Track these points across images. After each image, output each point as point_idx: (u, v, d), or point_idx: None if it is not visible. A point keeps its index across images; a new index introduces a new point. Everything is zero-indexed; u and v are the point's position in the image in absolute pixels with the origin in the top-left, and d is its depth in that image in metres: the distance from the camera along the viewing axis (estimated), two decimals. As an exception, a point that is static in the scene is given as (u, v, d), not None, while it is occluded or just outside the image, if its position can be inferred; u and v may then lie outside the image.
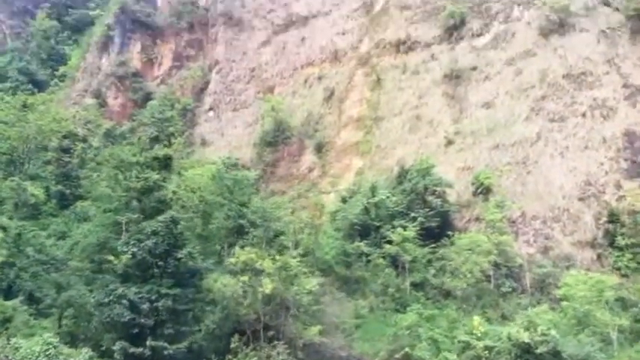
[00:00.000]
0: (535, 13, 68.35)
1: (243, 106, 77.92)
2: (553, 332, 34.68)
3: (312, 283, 36.76)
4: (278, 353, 33.38)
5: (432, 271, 49.70)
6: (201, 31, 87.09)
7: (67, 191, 54.65)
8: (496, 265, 50.18)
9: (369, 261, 50.97)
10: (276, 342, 34.24)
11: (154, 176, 40.69)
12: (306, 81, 77.83)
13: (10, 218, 46.60)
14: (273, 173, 71.09)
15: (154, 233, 33.77)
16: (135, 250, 33.71)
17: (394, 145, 68.33)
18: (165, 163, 45.05)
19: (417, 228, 51.79)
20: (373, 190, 56.32)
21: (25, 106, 58.99)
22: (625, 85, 60.32)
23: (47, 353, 27.83)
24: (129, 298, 31.74)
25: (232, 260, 36.73)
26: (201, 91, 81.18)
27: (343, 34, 79.23)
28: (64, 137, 64.64)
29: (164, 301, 31.83)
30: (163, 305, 31.82)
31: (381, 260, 49.70)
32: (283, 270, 35.58)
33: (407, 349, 36.55)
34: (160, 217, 35.23)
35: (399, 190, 57.04)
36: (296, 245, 46.90)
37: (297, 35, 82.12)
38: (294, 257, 45.30)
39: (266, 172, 70.74)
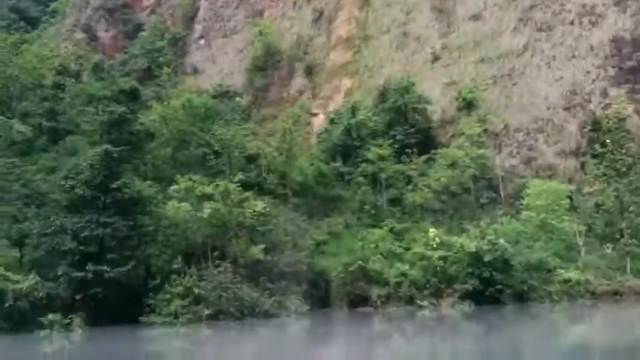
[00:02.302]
0: None
1: (233, 32, 77.54)
2: (501, 241, 36.11)
3: (258, 205, 38.38)
4: (219, 272, 35.47)
5: (410, 187, 50.58)
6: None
7: (60, 127, 56.58)
8: (475, 178, 51.12)
9: (349, 180, 52.48)
10: (219, 261, 36.32)
11: (120, 109, 41.85)
12: (295, 3, 76.65)
13: (2, 155, 49.12)
14: (264, 98, 71.79)
15: (91, 166, 35.51)
16: (72, 183, 35.71)
17: (382, 63, 67.97)
18: (132, 96, 46.14)
19: (397, 146, 52.86)
20: (354, 110, 56.94)
21: (18, 45, 59.93)
22: (615, -10, 58.09)
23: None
24: (68, 228, 34.03)
25: (174, 188, 38.47)
26: (191, 19, 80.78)
27: (331, -49, 76.90)
28: (58, 73, 66.12)
29: (103, 230, 34.00)
30: (103, 233, 34.05)
31: (360, 179, 51.01)
32: (226, 194, 37.17)
33: (360, 262, 38.48)
34: (92, 151, 36.87)
35: (380, 109, 57.63)
36: (268, 170, 48.35)
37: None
38: (268, 180, 47.22)
39: (257, 98, 71.53)
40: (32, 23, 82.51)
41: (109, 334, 31.92)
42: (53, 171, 47.92)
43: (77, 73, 68.24)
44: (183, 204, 35.74)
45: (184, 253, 36.60)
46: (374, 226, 46.42)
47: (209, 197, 36.75)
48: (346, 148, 55.11)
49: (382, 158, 50.70)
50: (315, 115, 68.88)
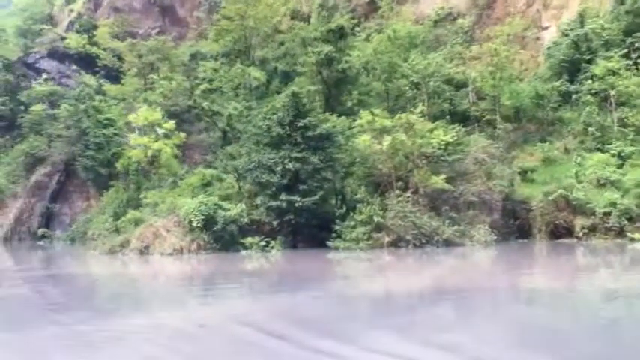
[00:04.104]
0: None
1: (456, -52, 72.96)
2: None
3: (441, 135, 36.99)
4: (399, 201, 35.71)
5: (650, 103, 43.32)
6: None
7: (290, 69, 61.82)
8: None
9: (577, 100, 47.26)
10: (399, 192, 36.57)
11: (326, 49, 44.11)
12: None
13: (243, 99, 56.46)
14: (489, 16, 67.16)
15: (283, 106, 38.57)
16: (267, 123, 39.20)
17: (629, -43, 57.31)
18: (340, 34, 48.06)
19: (636, 55, 45.48)
20: (582, 19, 50.06)
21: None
22: None
23: (200, 209, 36.21)
24: (263, 163, 37.76)
25: (358, 122, 39.30)
26: (415, -58, 78.23)
27: None
28: (291, 18, 71.87)
29: (294, 164, 36.93)
30: (295, 167, 36.97)
31: (588, 97, 45.55)
32: (407, 126, 36.59)
33: (562, 190, 34.82)
34: (283, 93, 39.49)
35: (616, 14, 49.48)
36: (477, 95, 46.06)
37: None
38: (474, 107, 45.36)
39: (481, 17, 67.36)
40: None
41: (299, 256, 35.56)
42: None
43: (307, 15, 73.00)
44: (365, 137, 37.06)
45: (372, 183, 38.29)
46: (599, 150, 41.64)
47: (392, 130, 37.21)
48: (573, 63, 49.16)
49: (612, 72, 44.33)
50: (545, 28, 62.33)
